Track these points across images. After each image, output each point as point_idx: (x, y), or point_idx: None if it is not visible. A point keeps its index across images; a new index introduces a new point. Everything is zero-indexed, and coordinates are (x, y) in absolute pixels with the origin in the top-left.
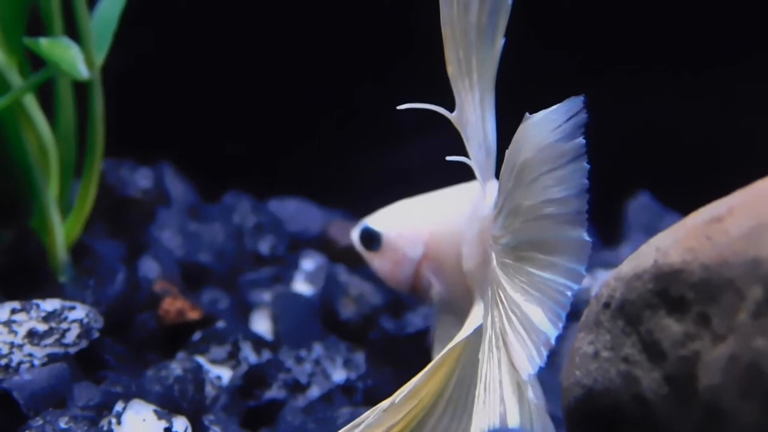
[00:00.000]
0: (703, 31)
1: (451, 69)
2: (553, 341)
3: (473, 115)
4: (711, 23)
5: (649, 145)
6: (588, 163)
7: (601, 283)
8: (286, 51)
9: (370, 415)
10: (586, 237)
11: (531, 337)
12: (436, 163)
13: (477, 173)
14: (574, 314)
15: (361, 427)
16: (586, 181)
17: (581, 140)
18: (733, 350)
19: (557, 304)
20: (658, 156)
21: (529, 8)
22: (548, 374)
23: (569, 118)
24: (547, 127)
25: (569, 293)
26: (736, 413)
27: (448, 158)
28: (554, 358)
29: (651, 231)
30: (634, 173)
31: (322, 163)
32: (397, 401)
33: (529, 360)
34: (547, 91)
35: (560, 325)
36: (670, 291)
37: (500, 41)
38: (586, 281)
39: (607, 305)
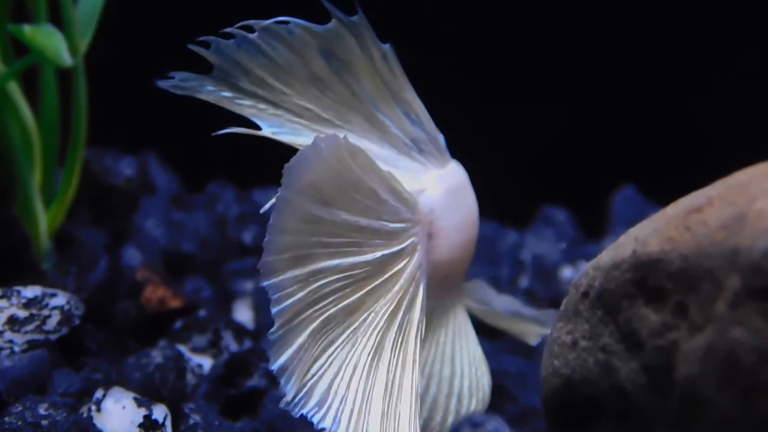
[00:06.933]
0: (689, 26)
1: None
2: None
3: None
4: (702, 18)
5: (634, 138)
6: None
7: (581, 272)
8: None
9: None
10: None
11: None
12: None
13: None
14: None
15: None
16: None
17: None
18: (711, 340)
19: None
20: (642, 149)
21: None
22: (530, 366)
23: None
24: None
25: None
26: (713, 403)
27: None
28: (538, 350)
29: (635, 224)
30: (619, 167)
31: None
32: None
33: None
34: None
35: None
36: (649, 281)
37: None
38: (569, 273)
39: (585, 294)
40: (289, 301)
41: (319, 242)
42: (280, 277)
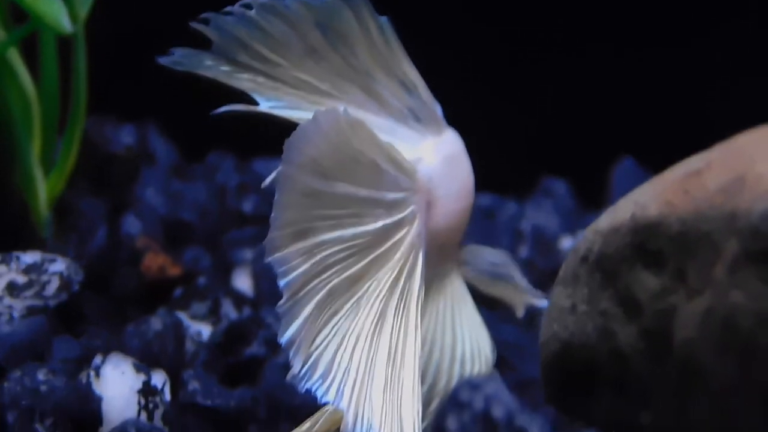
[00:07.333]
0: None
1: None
2: None
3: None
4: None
5: (634, 110)
6: None
7: (580, 236)
8: None
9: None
10: None
11: None
12: None
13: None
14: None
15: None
16: None
17: None
18: (709, 304)
19: None
20: (642, 121)
21: None
22: (529, 335)
23: None
24: None
25: None
26: (711, 367)
27: None
28: (537, 318)
29: None
30: (618, 138)
31: None
32: None
33: None
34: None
35: None
36: (647, 244)
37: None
38: (569, 244)
39: (585, 259)
40: (295, 273)
41: (322, 215)
42: (285, 251)
